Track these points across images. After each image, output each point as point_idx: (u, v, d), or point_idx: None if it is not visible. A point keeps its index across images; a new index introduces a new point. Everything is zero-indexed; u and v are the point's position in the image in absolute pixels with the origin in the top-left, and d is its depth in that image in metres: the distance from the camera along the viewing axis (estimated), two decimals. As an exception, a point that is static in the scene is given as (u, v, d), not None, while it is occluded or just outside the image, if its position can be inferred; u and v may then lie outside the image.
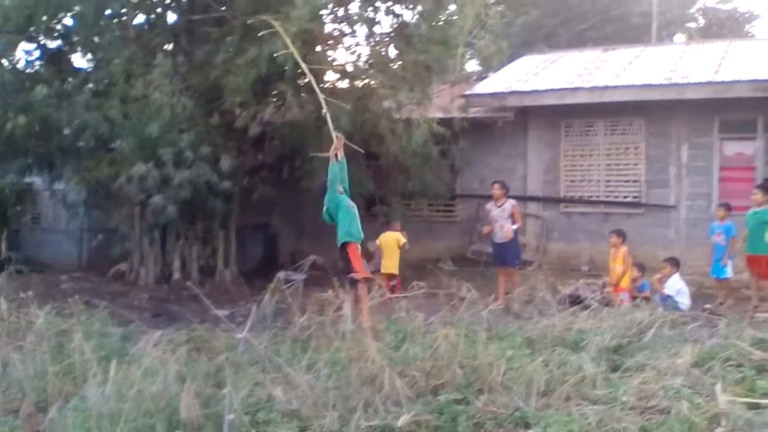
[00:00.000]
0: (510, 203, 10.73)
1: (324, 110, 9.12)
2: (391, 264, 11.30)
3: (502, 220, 10.64)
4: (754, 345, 5.91)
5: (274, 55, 9.82)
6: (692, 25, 31.94)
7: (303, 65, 9.39)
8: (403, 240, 11.33)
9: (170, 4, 12.45)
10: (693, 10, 31.88)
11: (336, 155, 8.53)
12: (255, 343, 5.45)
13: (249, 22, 10.12)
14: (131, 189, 11.12)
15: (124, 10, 11.76)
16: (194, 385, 4.58)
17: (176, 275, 12.51)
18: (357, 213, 8.68)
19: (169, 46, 12.35)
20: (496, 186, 10.84)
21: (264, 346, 5.56)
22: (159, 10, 12.40)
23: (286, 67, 10.04)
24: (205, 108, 11.40)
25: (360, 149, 9.81)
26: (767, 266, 9.84)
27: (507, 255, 10.69)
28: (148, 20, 12.46)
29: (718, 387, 4.55)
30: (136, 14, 12.31)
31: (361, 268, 8.29)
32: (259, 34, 10.01)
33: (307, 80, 10.78)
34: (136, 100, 11.01)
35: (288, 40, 9.42)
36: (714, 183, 12.90)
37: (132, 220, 12.58)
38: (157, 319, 9.74)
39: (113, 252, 12.83)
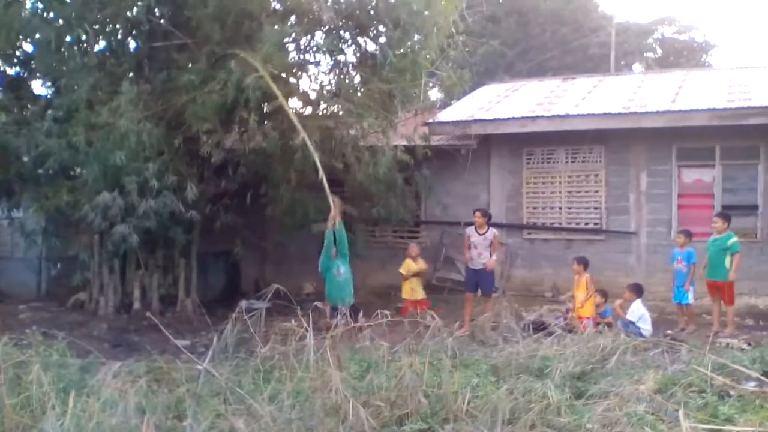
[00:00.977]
0: (492, 232, 10.83)
1: (315, 160, 9.29)
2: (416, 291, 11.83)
3: (481, 247, 10.72)
4: (715, 370, 5.97)
5: (246, 81, 9.82)
6: (650, 55, 32.77)
7: (278, 93, 9.34)
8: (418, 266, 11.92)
9: (131, 31, 12.36)
10: (650, 40, 32.74)
11: (334, 222, 8.80)
12: (216, 374, 5.36)
13: (219, 53, 10.12)
14: (95, 218, 10.95)
15: (84, 38, 11.64)
16: (154, 418, 4.48)
17: (136, 305, 12.27)
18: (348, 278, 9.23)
19: (131, 74, 12.25)
20: (478, 214, 10.94)
21: (225, 377, 5.46)
22: (120, 36, 12.30)
23: (251, 95, 10.03)
24: (170, 136, 11.29)
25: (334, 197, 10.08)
26: (728, 292, 10.05)
27: (482, 282, 10.73)
28: (109, 47, 12.35)
29: (681, 413, 4.58)
30: (98, 41, 12.19)
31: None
32: (231, 64, 10.02)
33: (270, 108, 10.82)
34: (101, 128, 10.87)
35: (260, 66, 9.39)
36: (673, 210, 13.13)
37: (92, 248, 12.35)
38: (117, 350, 9.54)
39: (73, 281, 12.56)
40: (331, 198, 9.03)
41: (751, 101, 12.63)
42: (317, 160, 9.09)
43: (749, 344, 8.81)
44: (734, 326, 10.04)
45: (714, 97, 13.38)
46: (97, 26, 11.73)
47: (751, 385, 5.89)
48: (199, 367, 5.98)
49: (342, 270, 10.21)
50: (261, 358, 6.09)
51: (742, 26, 57.02)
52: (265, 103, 10.97)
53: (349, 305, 9.40)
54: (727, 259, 9.94)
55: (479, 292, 10.75)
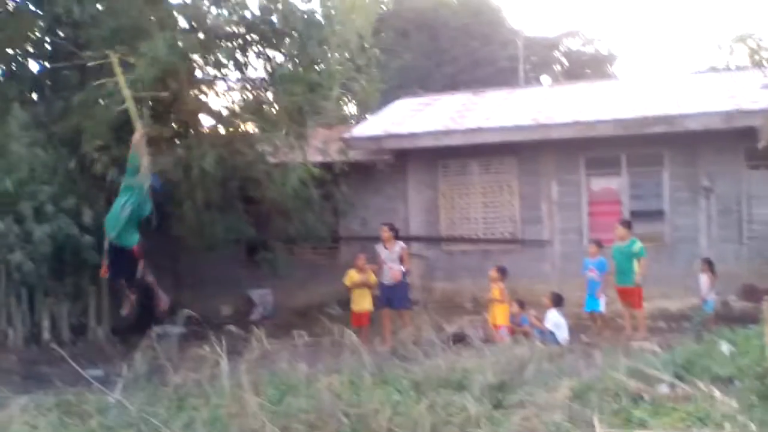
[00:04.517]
0: (399, 245, 10.86)
1: (131, 108, 8.29)
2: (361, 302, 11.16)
3: (390, 262, 10.72)
4: (629, 375, 6.11)
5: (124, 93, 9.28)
6: (557, 67, 33.76)
7: (126, 92, 8.32)
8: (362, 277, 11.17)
9: (33, 52, 11.92)
10: (557, 53, 33.74)
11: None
12: (128, 405, 5.17)
13: (92, 63, 9.51)
14: (-7, 246, 10.44)
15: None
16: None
17: (46, 335, 11.75)
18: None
19: (32, 95, 11.81)
20: (385, 228, 10.95)
21: (138, 407, 5.27)
22: (20, 59, 11.84)
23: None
24: (68, 158, 10.89)
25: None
26: (638, 296, 10.37)
27: (395, 297, 10.73)
28: (8, 69, 11.87)
29: (596, 419, 4.65)
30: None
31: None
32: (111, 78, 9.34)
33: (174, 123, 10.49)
34: (-8, 153, 10.43)
35: (118, 71, 8.63)
36: (584, 218, 13.51)
37: (-3, 278, 11.80)
38: (27, 383, 9.11)
39: (-22, 312, 11.97)
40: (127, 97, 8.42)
41: (651, 110, 13.10)
42: (132, 108, 8.39)
43: (661, 347, 9.08)
44: (646, 330, 10.36)
45: (618, 107, 13.85)
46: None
47: (663, 388, 6.04)
48: (111, 397, 5.77)
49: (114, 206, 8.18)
50: (174, 385, 5.89)
51: (642, 37, 59.58)
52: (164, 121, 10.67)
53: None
54: (635, 264, 10.27)
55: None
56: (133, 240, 7.85)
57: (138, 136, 7.99)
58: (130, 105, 8.32)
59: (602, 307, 10.64)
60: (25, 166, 10.23)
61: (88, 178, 11.07)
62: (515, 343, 7.58)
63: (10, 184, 10.12)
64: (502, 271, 10.60)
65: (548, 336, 9.52)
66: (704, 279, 11.05)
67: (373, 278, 11.09)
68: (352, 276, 11.24)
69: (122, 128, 10.35)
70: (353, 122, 16.73)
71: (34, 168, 10.33)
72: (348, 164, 12.99)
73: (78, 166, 10.93)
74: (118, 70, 8.57)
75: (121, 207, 7.79)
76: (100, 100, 10.50)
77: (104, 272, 8.02)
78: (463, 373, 6.46)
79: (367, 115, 16.69)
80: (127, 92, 8.43)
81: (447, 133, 13.89)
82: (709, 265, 11.14)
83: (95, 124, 10.36)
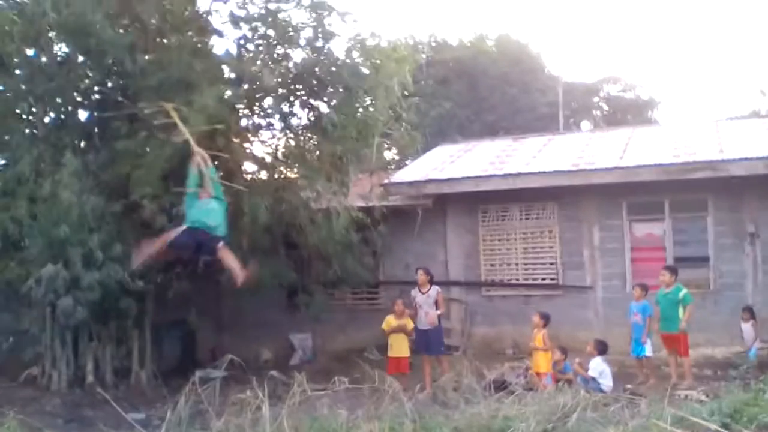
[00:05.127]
0: (435, 290, 10.85)
1: (188, 138, 8.73)
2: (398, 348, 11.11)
3: (426, 306, 10.71)
4: (674, 423, 5.98)
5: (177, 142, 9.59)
6: (597, 113, 33.71)
7: (195, 147, 8.85)
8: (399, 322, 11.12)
9: (82, 102, 12.32)
10: (597, 98, 33.71)
11: (201, 160, 8.40)
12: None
13: (147, 111, 9.90)
14: (39, 291, 10.69)
15: (33, 110, 11.56)
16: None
17: (90, 378, 11.89)
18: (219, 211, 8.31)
19: (81, 144, 12.16)
20: (421, 272, 10.97)
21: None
22: (70, 108, 12.25)
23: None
24: (116, 205, 11.14)
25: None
26: (684, 343, 10.17)
27: (431, 342, 10.69)
28: (57, 118, 12.28)
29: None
30: (47, 112, 12.13)
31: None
32: (156, 123, 9.75)
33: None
34: (44, 200, 10.72)
35: (174, 114, 9.08)
36: (627, 263, 13.32)
37: (43, 322, 12.02)
38: (70, 426, 9.25)
39: (25, 355, 12.19)
40: (186, 134, 8.73)
41: (696, 155, 13.01)
42: (190, 138, 8.66)
43: (707, 396, 8.86)
44: (692, 377, 10.13)
45: (660, 152, 13.75)
46: (46, 98, 11.67)
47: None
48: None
49: (213, 204, 8.56)
50: (216, 430, 5.92)
51: (683, 82, 59.24)
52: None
53: (219, 237, 8.16)
54: (680, 311, 10.09)
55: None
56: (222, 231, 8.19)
57: (195, 154, 8.41)
58: (187, 136, 8.74)
59: (648, 351, 10.45)
60: (75, 213, 10.47)
61: (138, 225, 11.30)
62: (559, 391, 7.47)
63: (64, 230, 10.35)
64: (546, 317, 10.50)
65: (592, 384, 9.35)
66: (747, 328, 10.83)
67: (410, 324, 11.05)
68: (390, 321, 11.21)
69: (170, 176, 10.66)
70: (393, 168, 16.88)
71: (84, 215, 10.56)
72: (388, 209, 13.08)
73: (126, 212, 11.17)
74: (174, 113, 8.99)
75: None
76: (148, 149, 10.78)
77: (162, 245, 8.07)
78: (505, 421, 6.38)
79: (407, 162, 16.83)
80: (182, 125, 8.90)
81: (487, 178, 13.91)
82: (750, 313, 10.91)
83: (145, 173, 10.59)
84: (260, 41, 12.12)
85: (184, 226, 8.03)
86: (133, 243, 10.51)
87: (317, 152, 12.76)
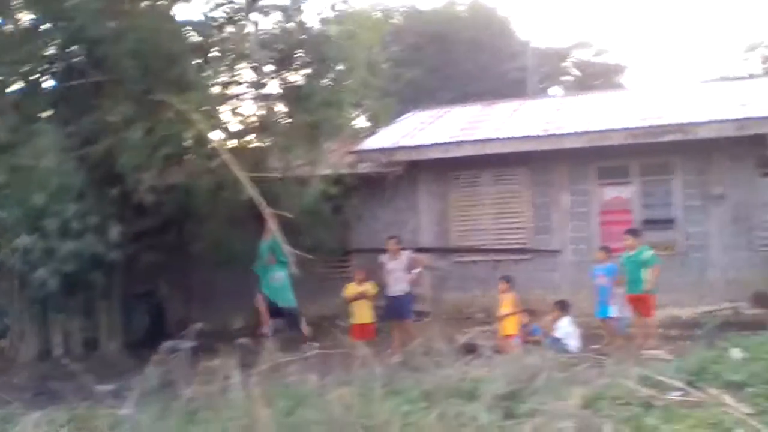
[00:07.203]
0: (406, 254, 10.90)
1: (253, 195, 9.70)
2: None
3: (398, 272, 10.73)
4: (640, 382, 6.08)
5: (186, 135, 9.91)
6: (567, 78, 33.78)
7: (243, 177, 9.80)
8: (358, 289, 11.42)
9: (48, 69, 12.03)
10: (567, 63, 33.76)
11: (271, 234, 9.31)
12: (140, 419, 5.19)
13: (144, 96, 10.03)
14: (15, 262, 10.55)
15: (0, 78, 11.28)
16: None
17: (58, 350, 11.84)
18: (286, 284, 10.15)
19: (48, 113, 11.89)
20: (392, 242, 10.99)
21: (149, 421, 5.28)
22: (37, 76, 11.95)
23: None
24: (92, 176, 10.94)
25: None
26: (648, 305, 10.31)
27: (401, 308, 10.74)
28: (26, 88, 11.98)
29: (607, 427, 4.63)
30: (14, 81, 11.82)
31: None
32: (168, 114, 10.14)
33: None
34: (21, 170, 10.48)
35: (232, 161, 9.93)
36: (595, 227, 13.46)
37: (11, 294, 11.89)
38: (39, 398, 9.14)
39: (-8, 328, 12.10)
40: (266, 212, 9.57)
41: (662, 119, 13.11)
42: (255, 194, 9.28)
43: (673, 355, 9.02)
44: (657, 338, 10.29)
45: (630, 116, 13.83)
46: (12, 66, 11.37)
47: (675, 395, 6.00)
48: (122, 412, 5.80)
49: (278, 275, 10.29)
50: (186, 399, 5.90)
51: (652, 47, 59.52)
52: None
53: (291, 309, 9.85)
54: (645, 273, 10.22)
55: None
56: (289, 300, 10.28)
57: (270, 226, 9.69)
58: (253, 193, 9.65)
59: (615, 312, 10.59)
60: (55, 184, 10.25)
61: (113, 196, 11.10)
62: (526, 353, 7.55)
63: (42, 198, 10.14)
64: (509, 280, 10.61)
65: (559, 345, 9.48)
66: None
67: (372, 290, 11.15)
68: (350, 288, 11.31)
69: (155, 152, 10.56)
70: (364, 136, 16.77)
71: (64, 185, 10.34)
72: (358, 177, 13.03)
73: (104, 185, 11.00)
74: (232, 160, 10.00)
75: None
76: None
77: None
78: (473, 383, 6.44)
79: (378, 129, 16.73)
80: (244, 176, 9.81)
81: (457, 144, 13.93)
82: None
83: (135, 148, 10.45)
84: (228, 8, 11.93)
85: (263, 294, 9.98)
86: (110, 215, 10.50)
87: (289, 121, 12.64)
